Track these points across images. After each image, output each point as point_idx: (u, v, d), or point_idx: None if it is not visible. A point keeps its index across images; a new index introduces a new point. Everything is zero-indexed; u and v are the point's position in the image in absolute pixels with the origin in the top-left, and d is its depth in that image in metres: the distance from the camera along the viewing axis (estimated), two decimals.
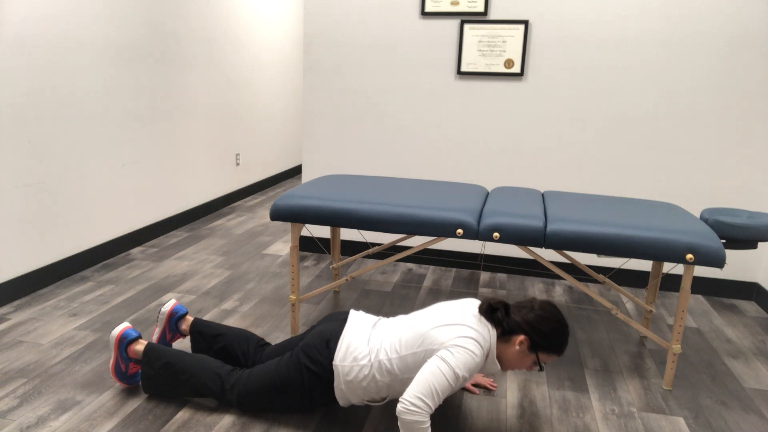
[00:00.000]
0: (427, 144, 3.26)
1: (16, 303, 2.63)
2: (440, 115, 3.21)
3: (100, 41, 3.06)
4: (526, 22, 2.97)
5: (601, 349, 2.42)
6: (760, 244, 3.02)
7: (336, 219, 2.17)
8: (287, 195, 2.26)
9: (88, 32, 2.97)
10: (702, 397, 2.07)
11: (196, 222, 4.18)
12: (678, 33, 2.85)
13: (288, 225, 4.19)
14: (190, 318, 2.11)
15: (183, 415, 1.83)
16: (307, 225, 3.54)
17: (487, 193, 2.51)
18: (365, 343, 1.72)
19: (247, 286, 2.96)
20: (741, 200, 2.97)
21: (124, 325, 1.95)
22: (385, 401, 1.76)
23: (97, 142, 3.11)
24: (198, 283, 2.97)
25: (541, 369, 1.64)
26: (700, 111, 2.91)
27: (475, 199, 2.31)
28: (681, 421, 1.92)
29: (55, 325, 2.42)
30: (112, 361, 1.93)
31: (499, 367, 1.68)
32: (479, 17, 3.03)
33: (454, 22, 3.07)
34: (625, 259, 3.17)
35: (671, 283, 3.14)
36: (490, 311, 1.66)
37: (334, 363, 1.71)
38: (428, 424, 1.53)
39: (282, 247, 3.67)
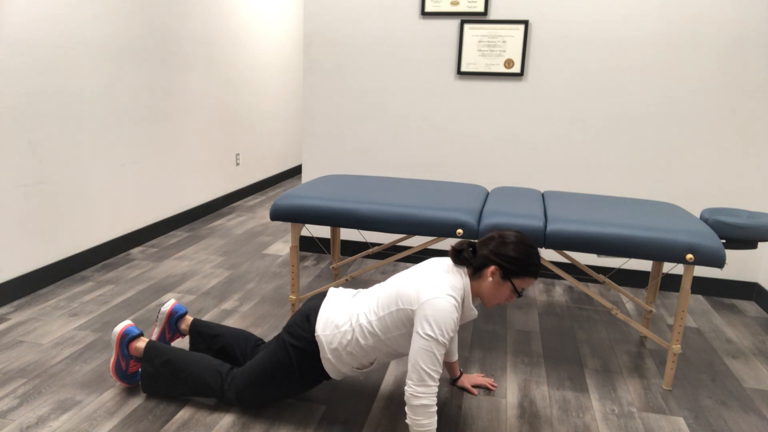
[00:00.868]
0: (427, 144, 3.26)
1: (16, 303, 2.63)
2: (440, 115, 3.21)
3: (100, 41, 3.06)
4: (526, 22, 2.97)
5: (601, 349, 2.42)
6: (760, 244, 3.02)
7: (336, 219, 2.17)
8: (287, 195, 2.26)
9: (88, 32, 2.97)
10: (702, 397, 2.07)
11: (196, 222, 4.18)
12: (678, 33, 2.85)
13: (288, 225, 4.19)
14: (189, 318, 2.11)
15: (183, 414, 1.83)
16: (307, 225, 3.54)
17: (487, 193, 2.51)
18: (345, 311, 1.74)
19: (247, 286, 2.96)
20: (741, 200, 2.97)
21: (127, 323, 1.96)
22: (373, 365, 1.76)
23: (97, 142, 3.11)
24: (198, 283, 2.97)
25: (519, 295, 1.65)
26: (700, 111, 2.91)
27: (475, 199, 2.31)
28: (681, 421, 1.92)
29: (55, 325, 2.42)
30: (112, 359, 1.93)
31: (476, 312, 1.70)
32: (479, 17, 3.03)
33: (454, 22, 3.07)
34: (625, 259, 3.17)
35: (671, 283, 3.14)
36: (457, 254, 1.66)
37: (316, 334, 1.72)
38: (435, 408, 1.56)
39: (282, 247, 3.67)
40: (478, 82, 3.12)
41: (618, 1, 2.87)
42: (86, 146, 3.04)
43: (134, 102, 3.39)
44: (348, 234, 3.52)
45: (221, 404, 1.90)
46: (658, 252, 1.93)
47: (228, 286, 2.95)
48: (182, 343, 2.29)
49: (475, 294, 1.70)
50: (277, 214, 2.24)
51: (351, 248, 3.53)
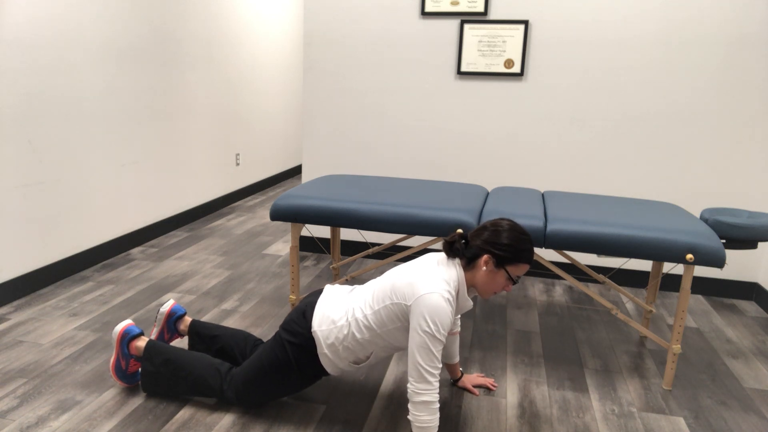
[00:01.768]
0: (427, 144, 3.26)
1: (16, 303, 2.63)
2: (440, 115, 3.21)
3: (100, 41, 3.06)
4: (526, 22, 2.97)
5: (601, 349, 2.42)
6: (760, 244, 3.02)
7: (336, 219, 2.17)
8: (287, 195, 2.26)
9: (89, 32, 2.97)
10: (702, 397, 2.07)
11: (196, 222, 4.18)
12: (678, 33, 2.85)
13: (288, 225, 4.19)
14: (188, 318, 2.11)
15: (183, 414, 1.83)
16: (307, 225, 3.54)
17: (487, 193, 2.51)
18: (341, 306, 1.74)
19: (247, 286, 2.96)
20: (741, 200, 2.97)
21: (127, 322, 1.96)
22: (370, 359, 1.76)
23: (97, 142, 3.11)
24: (198, 283, 2.97)
25: (514, 283, 1.65)
26: (700, 111, 2.91)
27: (475, 199, 2.31)
28: (681, 421, 1.92)
29: (55, 325, 2.42)
30: (112, 358, 1.93)
31: (471, 303, 1.69)
32: (479, 17, 3.03)
33: (454, 22, 3.07)
34: (625, 259, 3.17)
35: (671, 283, 3.14)
36: (449, 246, 1.67)
37: (312, 330, 1.73)
38: (437, 405, 1.57)
39: (282, 247, 3.67)
40: (478, 82, 3.12)
41: (618, 1, 2.87)
42: (86, 146, 3.04)
43: (134, 102, 3.39)
44: (348, 234, 3.52)
45: (221, 404, 1.90)
46: (658, 252, 1.93)
47: (228, 286, 2.95)
48: (181, 343, 2.29)
49: (470, 285, 1.69)
50: (277, 214, 2.24)
51: (351, 248, 3.53)
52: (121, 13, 3.20)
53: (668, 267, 3.09)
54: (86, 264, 3.10)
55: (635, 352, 2.41)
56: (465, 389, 2.05)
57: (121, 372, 1.93)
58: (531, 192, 2.50)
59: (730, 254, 3.05)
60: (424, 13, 3.09)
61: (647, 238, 1.94)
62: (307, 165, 3.46)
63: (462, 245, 1.67)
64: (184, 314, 2.12)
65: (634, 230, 1.96)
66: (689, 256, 1.91)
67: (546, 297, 2.98)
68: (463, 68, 3.10)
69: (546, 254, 3.22)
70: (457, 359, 2.03)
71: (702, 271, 3.10)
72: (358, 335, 1.69)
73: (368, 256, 3.52)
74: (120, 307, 2.63)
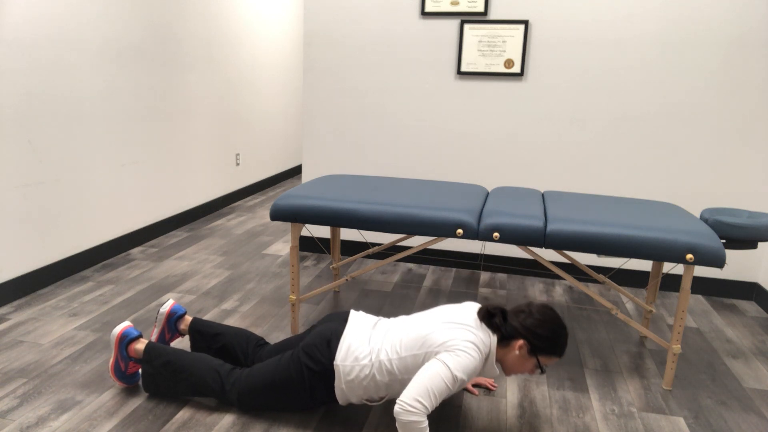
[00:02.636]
0: (427, 144, 3.26)
1: (16, 303, 2.63)
2: (440, 115, 3.21)
3: (100, 41, 3.06)
4: (526, 22, 2.97)
5: (601, 349, 2.42)
6: (760, 244, 3.02)
7: (336, 219, 2.17)
8: (287, 195, 2.26)
9: (88, 32, 2.97)
10: (702, 397, 2.07)
11: (196, 222, 4.18)
12: (678, 33, 2.85)
13: (288, 225, 4.19)
14: (188, 318, 2.11)
15: (183, 415, 1.83)
16: (307, 225, 3.54)
17: (487, 193, 2.51)
18: (366, 343, 1.72)
19: (247, 286, 2.96)
20: (741, 200, 2.97)
21: (125, 324, 1.95)
22: (383, 401, 1.77)
23: (97, 142, 3.11)
24: (198, 283, 2.97)
25: (542, 372, 1.65)
26: (700, 111, 2.91)
27: (475, 199, 2.31)
28: (681, 421, 1.92)
29: (55, 325, 2.42)
30: (111, 360, 1.93)
31: (498, 371, 1.69)
32: (479, 17, 3.03)
33: (454, 22, 3.07)
34: (625, 259, 3.18)
35: (671, 283, 3.14)
36: (488, 317, 1.67)
37: (335, 363, 1.71)
38: (426, 424, 1.54)
39: (282, 247, 3.67)
40: (478, 82, 3.12)
41: (618, 1, 2.87)
42: (86, 146, 3.04)
43: (134, 102, 3.39)
44: (348, 234, 3.52)
45: (221, 404, 1.90)
46: (658, 252, 1.93)
47: (228, 286, 2.95)
48: (181, 343, 2.29)
49: (498, 359, 1.70)
50: (277, 214, 2.24)
51: (351, 248, 3.53)
52: (121, 13, 3.20)
53: (668, 267, 3.09)
54: (86, 264, 3.10)
55: (635, 352, 2.41)
56: (464, 389, 2.05)
57: (120, 373, 1.93)
58: (531, 192, 2.50)
59: (730, 254, 3.05)
60: (424, 13, 3.09)
61: (647, 238, 1.94)
62: (307, 165, 3.46)
63: (501, 321, 1.67)
64: (185, 314, 2.12)
65: (634, 230, 1.96)
66: (689, 256, 1.91)
67: (546, 297, 2.98)
68: (463, 68, 3.10)
69: (546, 254, 3.22)
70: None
71: (702, 271, 3.10)
72: (378, 377, 1.68)
73: (368, 256, 3.52)
74: (120, 307, 2.63)
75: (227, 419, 1.82)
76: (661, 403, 2.02)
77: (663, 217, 2.12)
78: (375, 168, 3.36)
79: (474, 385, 2.08)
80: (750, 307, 2.97)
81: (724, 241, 2.11)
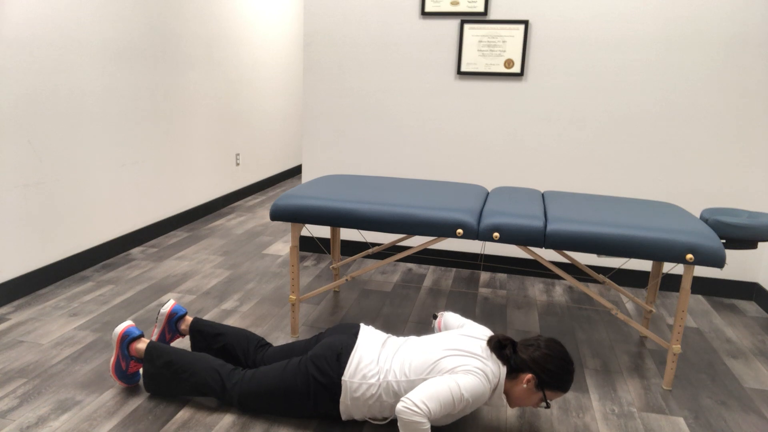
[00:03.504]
0: (427, 144, 3.26)
1: (16, 303, 2.63)
2: (440, 115, 3.21)
3: (100, 41, 3.06)
4: (526, 22, 2.97)
5: (601, 349, 2.42)
6: (760, 244, 3.02)
7: (336, 219, 2.17)
8: (287, 195, 2.26)
9: (88, 32, 2.97)
10: (702, 397, 2.07)
11: (196, 222, 4.18)
12: (678, 33, 2.85)
13: (288, 225, 4.19)
14: (189, 318, 2.11)
15: (183, 415, 1.83)
16: (307, 225, 3.54)
17: (487, 193, 2.51)
18: (375, 361, 1.73)
19: (247, 286, 2.96)
20: (741, 200, 2.97)
21: (127, 323, 1.96)
22: (386, 421, 1.77)
23: (97, 142, 3.11)
24: (198, 283, 2.97)
25: (547, 406, 1.66)
26: (700, 111, 2.91)
27: (475, 199, 2.31)
28: (681, 421, 1.92)
29: (55, 325, 2.42)
30: (112, 359, 1.93)
31: (505, 401, 1.70)
32: (479, 17, 3.03)
33: (454, 22, 3.07)
34: (625, 259, 3.17)
35: (671, 283, 3.14)
36: (499, 347, 1.69)
37: (343, 378, 1.72)
38: (428, 426, 1.54)
39: (282, 247, 3.67)
40: (478, 82, 3.12)
41: (618, 1, 2.87)
42: (86, 146, 3.04)
43: (134, 102, 3.39)
44: (348, 234, 3.52)
45: (221, 404, 1.90)
46: (658, 252, 1.93)
47: (228, 286, 2.95)
48: (182, 343, 2.29)
49: (505, 390, 1.71)
50: (277, 214, 2.24)
51: (351, 248, 3.53)
52: (121, 13, 3.20)
53: (668, 267, 3.09)
54: (86, 264, 3.10)
55: (635, 352, 2.41)
56: None
57: (121, 372, 1.93)
58: (531, 192, 2.50)
59: (730, 254, 3.05)
60: (424, 13, 3.09)
61: (647, 238, 1.94)
62: (307, 165, 3.46)
63: (511, 353, 1.68)
64: (185, 314, 2.12)
65: (634, 230, 1.96)
66: (689, 256, 1.91)
67: (546, 297, 2.98)
68: (463, 68, 3.10)
69: (546, 254, 3.22)
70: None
71: (702, 271, 3.10)
72: (384, 397, 1.69)
73: (368, 256, 3.52)
74: (120, 307, 2.63)
75: (227, 419, 1.82)
76: (661, 403, 2.02)
77: (663, 217, 2.12)
78: (375, 168, 3.36)
79: None
80: (750, 307, 2.97)
81: (724, 241, 2.11)
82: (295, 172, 6.39)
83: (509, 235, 2.04)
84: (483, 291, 3.02)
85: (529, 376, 1.65)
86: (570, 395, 2.05)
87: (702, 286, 3.10)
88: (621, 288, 2.60)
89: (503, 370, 1.67)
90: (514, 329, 2.57)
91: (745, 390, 2.14)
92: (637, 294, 3.10)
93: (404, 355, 1.73)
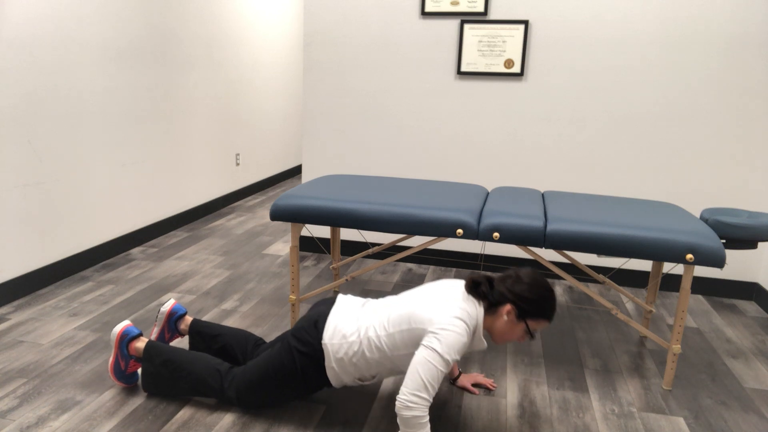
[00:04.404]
0: (427, 144, 3.26)
1: (16, 303, 2.63)
2: (440, 115, 3.21)
3: (100, 41, 3.06)
4: (526, 22, 2.97)
5: (601, 349, 2.42)
6: (760, 244, 3.02)
7: (336, 219, 2.17)
8: (287, 195, 2.26)
9: (88, 32, 2.97)
10: (702, 397, 2.07)
11: (196, 222, 4.18)
12: (678, 33, 2.85)
13: (288, 225, 4.19)
14: (189, 318, 2.11)
15: (183, 415, 1.83)
16: (307, 225, 3.54)
17: (487, 193, 2.51)
18: (354, 321, 1.74)
19: (247, 286, 2.96)
20: (741, 200, 2.97)
21: (126, 323, 1.96)
22: (375, 379, 1.77)
23: (97, 142, 3.11)
24: (198, 283, 2.97)
25: (532, 337, 1.65)
26: (699, 111, 2.91)
27: (475, 199, 2.31)
28: (681, 421, 1.92)
29: (55, 325, 2.42)
30: (111, 359, 1.93)
31: (485, 344, 1.69)
32: (479, 17, 3.03)
33: (454, 22, 3.07)
34: (625, 259, 3.17)
35: (671, 283, 3.14)
36: (474, 286, 1.67)
37: (323, 342, 1.72)
38: (427, 419, 1.54)
39: (282, 247, 3.67)
40: (478, 82, 3.12)
41: (618, 1, 2.87)
42: (86, 146, 3.04)
43: (134, 102, 3.39)
44: (348, 234, 3.52)
45: (221, 404, 1.90)
46: (658, 252, 1.93)
47: (228, 286, 2.95)
48: (181, 343, 2.29)
49: (487, 328, 1.70)
50: (277, 214, 2.24)
51: (351, 248, 3.53)
52: (121, 13, 3.20)
53: (668, 267, 3.09)
54: (86, 264, 3.10)
55: (635, 352, 2.41)
56: (464, 388, 2.05)
57: (119, 372, 1.93)
58: (531, 192, 2.50)
59: (730, 254, 3.05)
60: (424, 13, 3.09)
61: (647, 238, 1.94)
62: (307, 165, 3.46)
63: (488, 288, 1.66)
64: (185, 314, 2.12)
65: (634, 230, 1.96)
66: (689, 256, 1.91)
67: None
68: (463, 68, 3.10)
69: (546, 254, 3.22)
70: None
71: (702, 271, 3.10)
72: (368, 354, 1.69)
73: (368, 256, 3.52)
74: (120, 307, 2.63)
75: (227, 419, 1.82)
76: (661, 403, 2.02)
77: (663, 217, 2.12)
78: (375, 168, 3.36)
79: (474, 385, 2.08)
80: (750, 307, 2.97)
81: (724, 241, 2.11)
82: (295, 172, 6.39)
83: (509, 235, 2.04)
84: None
85: (508, 307, 1.63)
86: (570, 395, 2.05)
87: (702, 286, 3.10)
88: (621, 288, 2.60)
89: (481, 309, 1.65)
90: None
91: (745, 390, 2.14)
92: (637, 294, 3.10)
93: (382, 311, 1.72)
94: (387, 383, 2.08)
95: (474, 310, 1.64)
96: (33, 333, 2.34)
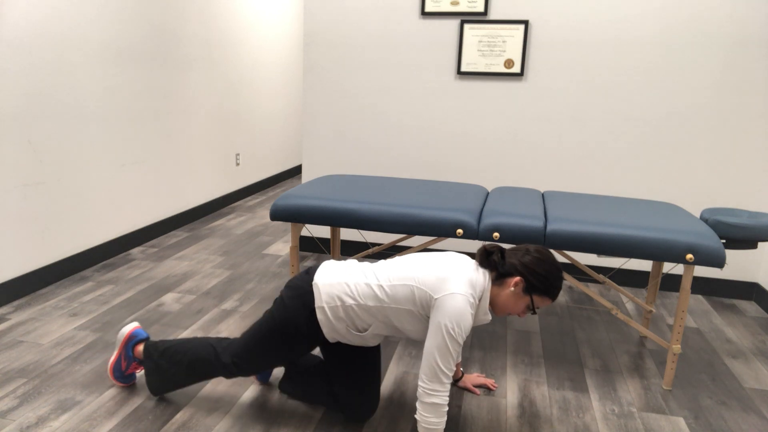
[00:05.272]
0: (427, 144, 3.26)
1: (16, 303, 2.63)
2: (440, 115, 3.21)
3: (100, 41, 3.06)
4: (526, 22, 2.97)
5: (601, 349, 2.42)
6: (760, 244, 3.02)
7: (336, 219, 2.17)
8: (287, 195, 2.26)
9: (88, 32, 2.97)
10: (702, 397, 2.07)
11: (196, 222, 4.18)
12: (678, 33, 2.85)
13: (288, 225, 4.19)
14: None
15: (183, 415, 1.83)
16: (307, 225, 3.54)
17: (487, 193, 2.51)
18: (350, 269, 1.73)
19: (247, 286, 2.96)
20: (741, 200, 2.97)
21: (134, 325, 1.95)
22: (367, 332, 1.71)
23: (97, 142, 3.11)
24: (198, 283, 2.97)
25: (533, 312, 1.64)
26: (700, 111, 2.91)
27: (475, 199, 2.31)
28: (681, 421, 1.92)
29: (55, 325, 2.42)
30: (113, 358, 1.93)
31: (490, 317, 1.68)
32: (479, 17, 3.03)
33: (454, 22, 3.07)
34: (625, 259, 3.17)
35: (671, 283, 3.14)
36: (486, 255, 1.66)
37: (314, 282, 1.70)
38: (446, 408, 1.57)
39: (282, 247, 3.67)
40: (478, 82, 3.12)
41: (618, 1, 2.87)
42: (86, 146, 3.04)
43: (134, 102, 3.38)
44: (348, 234, 3.52)
45: (221, 405, 1.90)
46: (658, 252, 1.93)
47: (228, 286, 2.95)
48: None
49: (492, 298, 1.68)
50: (277, 214, 2.24)
51: (351, 248, 3.53)
52: (121, 13, 3.20)
53: (668, 267, 3.09)
54: (86, 264, 3.10)
55: (635, 352, 2.41)
56: (465, 389, 2.05)
57: (119, 372, 1.93)
58: (531, 192, 2.50)
59: (730, 254, 3.05)
60: (424, 13, 3.09)
61: (647, 238, 1.94)
62: (307, 165, 3.46)
63: (499, 258, 1.65)
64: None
65: (634, 230, 1.96)
66: (689, 256, 1.91)
67: None
68: (463, 68, 3.10)
69: None
70: (459, 359, 2.03)
71: (702, 271, 3.10)
72: (362, 301, 1.66)
73: (368, 256, 3.52)
74: (120, 307, 2.63)
75: (227, 420, 1.82)
76: (661, 403, 2.02)
77: (663, 217, 2.12)
78: (375, 168, 3.36)
79: (474, 385, 2.08)
80: (750, 307, 2.97)
81: (724, 241, 2.11)
82: (295, 172, 6.39)
83: (509, 235, 2.04)
84: None
85: (517, 279, 1.62)
86: (570, 395, 2.05)
87: (702, 286, 3.10)
88: (621, 288, 2.60)
89: (489, 279, 1.64)
90: (513, 329, 2.57)
91: (745, 390, 2.14)
92: (637, 294, 3.10)
93: (384, 265, 1.71)
94: (387, 383, 2.08)
95: (482, 280, 1.63)
96: (33, 333, 2.34)
